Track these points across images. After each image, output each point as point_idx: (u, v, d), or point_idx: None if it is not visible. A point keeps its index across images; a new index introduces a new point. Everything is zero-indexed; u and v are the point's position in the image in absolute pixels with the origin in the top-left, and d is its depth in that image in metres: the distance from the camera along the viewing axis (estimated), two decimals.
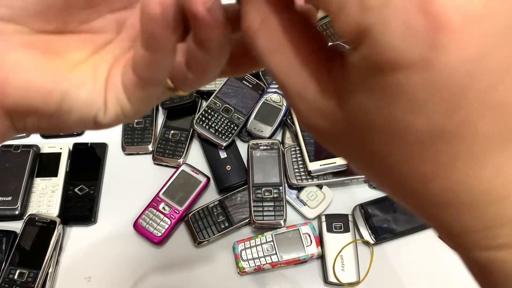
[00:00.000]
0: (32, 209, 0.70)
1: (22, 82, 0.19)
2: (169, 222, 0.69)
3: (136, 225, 0.69)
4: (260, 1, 0.16)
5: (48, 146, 0.75)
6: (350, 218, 0.70)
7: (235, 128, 0.75)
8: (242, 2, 0.17)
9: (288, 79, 0.16)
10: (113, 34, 0.22)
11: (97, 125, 0.21)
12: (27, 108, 0.19)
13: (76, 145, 0.77)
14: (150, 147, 0.76)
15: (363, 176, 0.72)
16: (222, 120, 0.75)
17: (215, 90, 0.78)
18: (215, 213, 0.70)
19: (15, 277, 0.63)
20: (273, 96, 0.76)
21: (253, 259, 0.66)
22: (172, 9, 0.16)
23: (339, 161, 0.70)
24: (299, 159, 0.73)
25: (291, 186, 0.72)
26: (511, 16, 0.12)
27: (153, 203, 0.70)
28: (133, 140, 0.77)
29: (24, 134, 0.78)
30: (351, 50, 0.14)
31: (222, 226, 0.70)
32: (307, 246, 0.67)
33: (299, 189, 0.72)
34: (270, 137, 0.75)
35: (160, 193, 0.71)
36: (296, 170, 0.72)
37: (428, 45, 0.12)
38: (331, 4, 0.13)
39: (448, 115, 0.12)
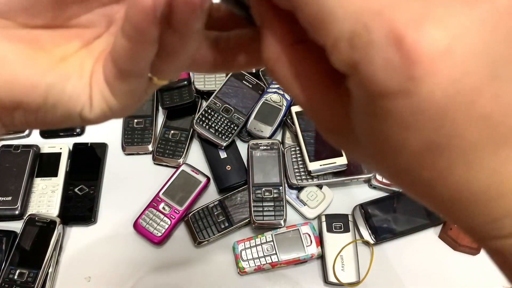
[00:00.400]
0: (32, 209, 0.70)
1: (7, 76, 0.19)
2: (169, 222, 0.69)
3: (136, 225, 0.69)
4: (278, 35, 0.18)
5: (48, 146, 0.75)
6: (350, 218, 0.70)
7: (235, 128, 0.75)
8: (262, 36, 0.18)
9: (305, 102, 0.19)
10: (102, 29, 0.22)
11: (84, 121, 0.21)
12: (13, 102, 0.19)
13: (76, 145, 0.77)
14: (150, 147, 0.76)
15: (363, 176, 0.72)
16: (222, 120, 0.75)
17: (215, 90, 0.78)
18: (215, 213, 0.70)
19: (15, 277, 0.63)
20: (273, 96, 0.76)
21: (253, 259, 0.66)
22: (164, 4, 0.16)
23: (339, 161, 0.70)
24: (299, 159, 0.73)
25: (291, 186, 0.72)
26: (474, 48, 0.14)
27: (153, 203, 0.70)
28: (133, 140, 0.77)
29: (25, 134, 0.78)
30: (348, 79, 0.16)
31: (222, 226, 0.69)
32: (307, 246, 0.67)
33: (299, 189, 0.72)
34: (270, 137, 0.75)
35: (160, 193, 0.71)
36: (296, 170, 0.72)
37: (405, 77, 0.14)
38: (327, 42, 0.15)
39: (436, 131, 0.15)
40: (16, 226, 0.68)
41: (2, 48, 0.19)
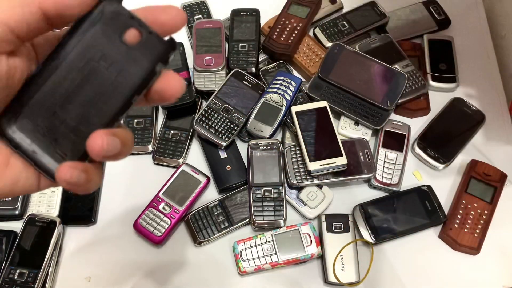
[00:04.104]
0: (32, 209, 0.70)
1: None
2: (169, 222, 0.69)
3: (136, 225, 0.69)
4: None
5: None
6: (350, 218, 0.70)
7: (235, 128, 0.75)
8: None
9: None
10: None
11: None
12: None
13: None
14: (150, 147, 0.76)
15: (363, 176, 0.72)
16: (222, 120, 0.75)
17: (215, 90, 0.78)
18: (215, 213, 0.70)
19: (15, 277, 0.63)
20: (273, 96, 0.76)
21: (253, 259, 0.66)
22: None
23: (339, 161, 0.70)
24: (299, 159, 0.73)
25: (291, 186, 0.72)
26: None
27: (153, 203, 0.70)
28: None
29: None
30: None
31: (222, 226, 0.70)
32: (307, 246, 0.67)
33: (299, 189, 0.72)
34: (270, 137, 0.75)
35: (160, 193, 0.71)
36: (296, 170, 0.72)
37: None
38: None
39: None
40: (16, 226, 0.68)
41: None
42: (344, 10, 0.91)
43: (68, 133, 0.25)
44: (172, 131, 0.77)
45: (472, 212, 0.70)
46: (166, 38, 0.25)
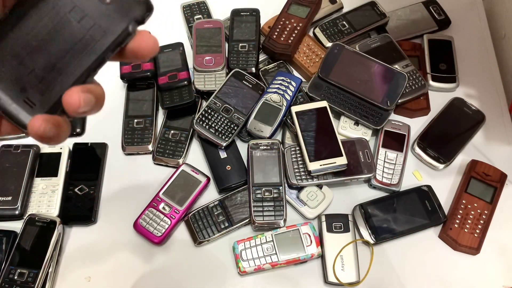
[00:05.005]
0: (32, 209, 0.70)
1: None
2: (169, 222, 0.69)
3: (136, 225, 0.69)
4: None
5: (48, 146, 0.75)
6: (350, 218, 0.70)
7: (235, 128, 0.75)
8: None
9: None
10: None
11: None
12: None
13: (76, 145, 0.77)
14: (150, 147, 0.76)
15: (363, 176, 0.72)
16: (222, 120, 0.75)
17: (215, 90, 0.78)
18: (215, 213, 0.70)
19: (15, 277, 0.63)
20: (273, 96, 0.76)
21: (253, 259, 0.66)
22: None
23: (339, 161, 0.70)
24: (299, 159, 0.73)
25: (291, 186, 0.72)
26: None
27: (153, 203, 0.70)
28: (133, 140, 0.77)
29: (25, 134, 0.77)
30: None
31: (222, 226, 0.70)
32: (307, 246, 0.67)
33: (299, 189, 0.72)
34: (270, 137, 0.75)
35: (160, 193, 0.71)
36: (296, 170, 0.72)
37: None
38: None
39: None
40: (16, 226, 0.68)
41: None
42: (344, 10, 0.91)
43: (37, 83, 0.24)
44: (172, 131, 0.77)
45: (472, 212, 0.70)
46: None
